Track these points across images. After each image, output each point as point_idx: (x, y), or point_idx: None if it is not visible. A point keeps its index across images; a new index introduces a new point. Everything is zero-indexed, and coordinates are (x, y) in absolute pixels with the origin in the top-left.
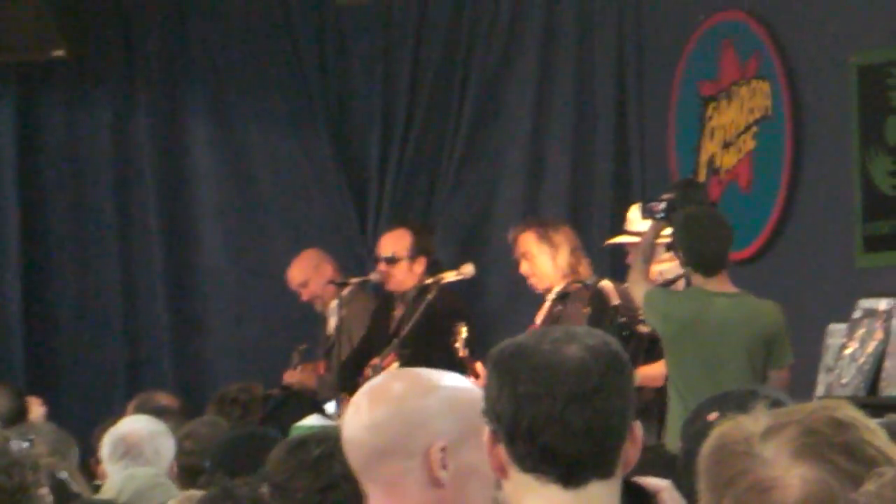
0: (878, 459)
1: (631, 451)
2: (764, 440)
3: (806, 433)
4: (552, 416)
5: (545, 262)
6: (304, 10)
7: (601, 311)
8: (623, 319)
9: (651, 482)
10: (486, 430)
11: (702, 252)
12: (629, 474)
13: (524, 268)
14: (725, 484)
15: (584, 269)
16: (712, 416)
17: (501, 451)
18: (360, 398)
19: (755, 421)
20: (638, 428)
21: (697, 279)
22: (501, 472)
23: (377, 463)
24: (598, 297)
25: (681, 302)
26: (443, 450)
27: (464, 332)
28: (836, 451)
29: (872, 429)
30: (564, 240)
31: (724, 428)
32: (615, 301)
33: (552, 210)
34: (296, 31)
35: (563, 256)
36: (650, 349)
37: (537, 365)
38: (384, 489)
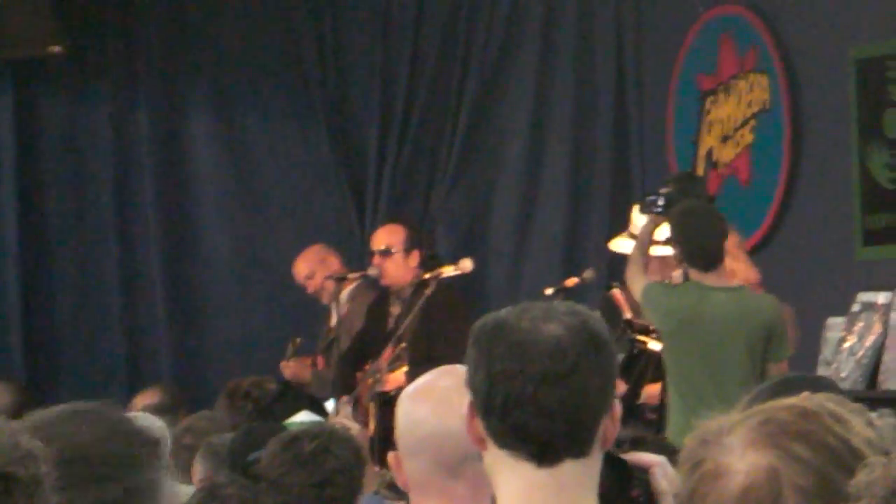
0: (839, 449)
1: (610, 429)
2: (730, 430)
3: (765, 422)
4: (524, 396)
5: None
6: (302, 3)
7: (609, 320)
8: (635, 336)
9: (644, 457)
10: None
11: (699, 246)
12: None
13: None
14: (689, 470)
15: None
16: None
17: (479, 423)
18: (450, 393)
19: (733, 414)
20: (618, 406)
21: (695, 274)
22: (480, 443)
23: (472, 461)
24: (608, 304)
25: (679, 297)
26: None
27: None
28: (791, 438)
29: (843, 420)
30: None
31: (708, 421)
32: (627, 314)
33: (552, 204)
34: (294, 25)
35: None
36: (659, 367)
37: (513, 343)
38: (471, 486)
